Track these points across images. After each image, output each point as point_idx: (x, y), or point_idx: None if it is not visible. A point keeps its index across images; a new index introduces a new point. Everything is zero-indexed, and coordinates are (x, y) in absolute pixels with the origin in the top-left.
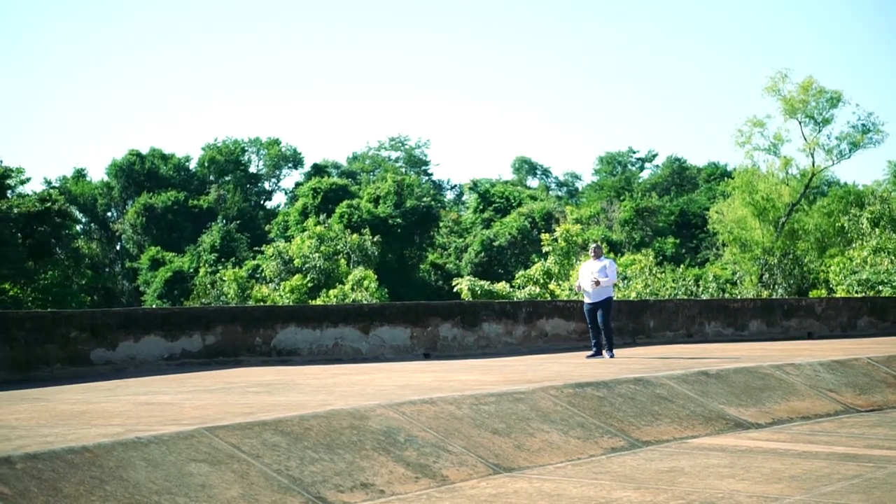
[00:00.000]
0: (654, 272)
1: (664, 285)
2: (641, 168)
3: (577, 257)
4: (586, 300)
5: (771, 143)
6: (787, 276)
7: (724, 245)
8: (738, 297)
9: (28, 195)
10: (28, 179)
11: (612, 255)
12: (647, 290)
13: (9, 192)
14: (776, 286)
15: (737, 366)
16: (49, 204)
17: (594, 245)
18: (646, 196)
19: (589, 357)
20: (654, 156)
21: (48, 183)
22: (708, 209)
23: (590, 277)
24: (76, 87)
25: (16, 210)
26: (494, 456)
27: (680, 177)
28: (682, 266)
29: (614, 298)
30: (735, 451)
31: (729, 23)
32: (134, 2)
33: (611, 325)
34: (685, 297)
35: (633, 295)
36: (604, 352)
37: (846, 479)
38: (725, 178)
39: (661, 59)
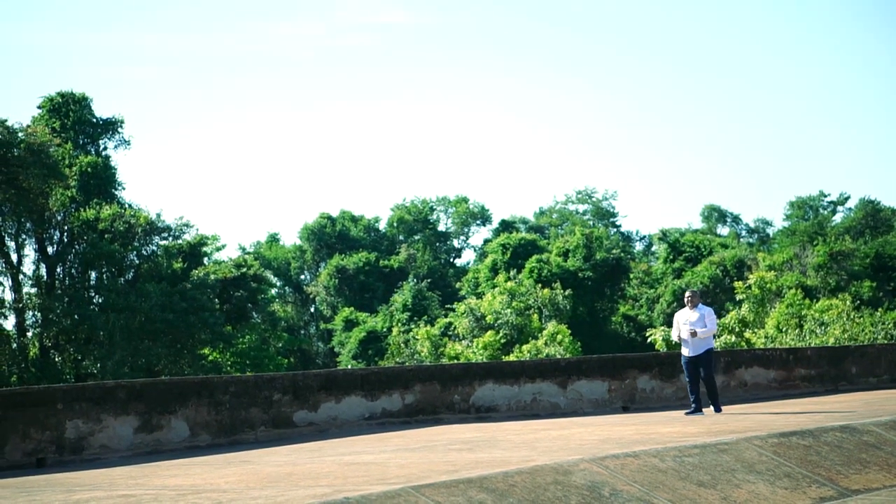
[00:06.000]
0: (851, 317)
1: (863, 330)
2: (834, 211)
3: (772, 304)
4: (685, 352)
5: None
6: None
7: None
8: None
9: (224, 261)
10: (223, 246)
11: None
12: (846, 336)
13: (206, 259)
14: None
15: None
16: (244, 269)
17: (690, 293)
18: (839, 240)
19: (688, 414)
20: (847, 198)
21: (243, 249)
22: None
23: (687, 328)
24: (267, 154)
25: (213, 276)
26: None
27: (874, 218)
28: (880, 310)
29: (714, 349)
30: None
31: None
32: (318, 69)
33: (714, 378)
34: (886, 342)
35: (832, 341)
36: (705, 409)
37: None
38: None
39: (850, 101)
